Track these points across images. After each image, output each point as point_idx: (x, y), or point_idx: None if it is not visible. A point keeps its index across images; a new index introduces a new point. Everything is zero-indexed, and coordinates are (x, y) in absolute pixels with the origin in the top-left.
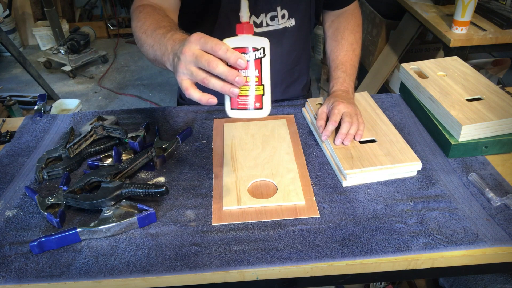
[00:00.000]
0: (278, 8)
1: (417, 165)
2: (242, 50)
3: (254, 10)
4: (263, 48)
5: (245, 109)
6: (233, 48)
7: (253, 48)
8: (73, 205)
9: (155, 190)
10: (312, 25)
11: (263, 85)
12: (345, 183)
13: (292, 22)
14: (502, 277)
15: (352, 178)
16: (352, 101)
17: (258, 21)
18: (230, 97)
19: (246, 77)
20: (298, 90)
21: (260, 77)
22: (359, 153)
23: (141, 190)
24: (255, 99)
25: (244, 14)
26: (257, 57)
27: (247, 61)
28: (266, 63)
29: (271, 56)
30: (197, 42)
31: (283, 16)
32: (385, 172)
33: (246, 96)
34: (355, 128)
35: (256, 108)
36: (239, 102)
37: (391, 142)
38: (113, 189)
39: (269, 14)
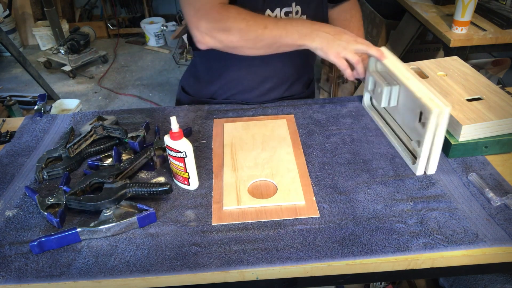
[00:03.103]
0: (293, 4)
1: None
2: (175, 150)
3: (270, 4)
4: (185, 152)
5: (180, 182)
6: (168, 147)
7: (179, 151)
8: (76, 207)
9: (159, 189)
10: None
11: (188, 172)
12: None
13: (304, 19)
14: (502, 277)
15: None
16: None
17: (272, 15)
18: (175, 175)
19: (178, 165)
20: (300, 87)
21: (184, 168)
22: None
23: (145, 190)
24: (183, 179)
25: (174, 126)
26: (181, 156)
27: (176, 156)
28: (188, 160)
29: (283, 52)
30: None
31: (296, 12)
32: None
33: (180, 175)
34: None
35: (185, 184)
36: (178, 178)
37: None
38: (117, 190)
39: (284, 9)
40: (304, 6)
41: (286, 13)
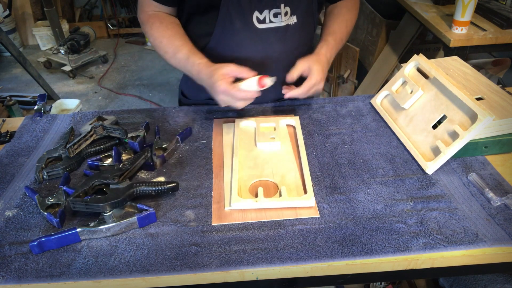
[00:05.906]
0: (282, 6)
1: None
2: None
3: (258, 6)
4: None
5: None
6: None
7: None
8: (82, 209)
9: (167, 186)
10: (316, 23)
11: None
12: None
13: (294, 19)
14: (502, 277)
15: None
16: (326, 71)
17: (261, 17)
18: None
19: None
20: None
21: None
22: None
23: (153, 188)
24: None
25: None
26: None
27: None
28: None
29: (275, 54)
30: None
31: (286, 13)
32: None
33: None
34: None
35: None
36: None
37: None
38: (124, 189)
39: (273, 11)
40: (294, 7)
41: (275, 15)
